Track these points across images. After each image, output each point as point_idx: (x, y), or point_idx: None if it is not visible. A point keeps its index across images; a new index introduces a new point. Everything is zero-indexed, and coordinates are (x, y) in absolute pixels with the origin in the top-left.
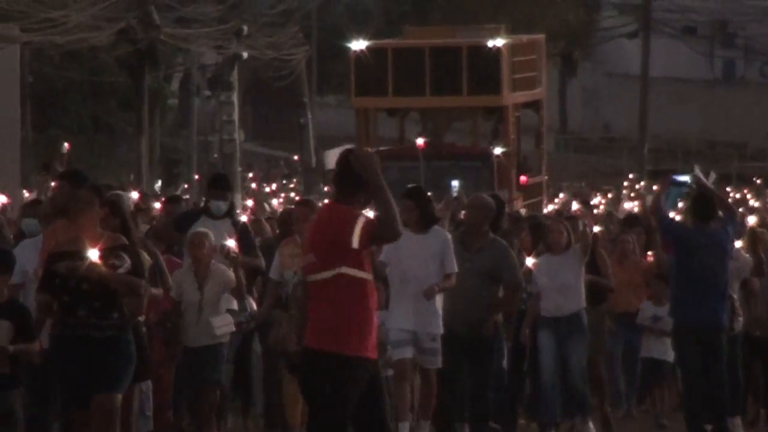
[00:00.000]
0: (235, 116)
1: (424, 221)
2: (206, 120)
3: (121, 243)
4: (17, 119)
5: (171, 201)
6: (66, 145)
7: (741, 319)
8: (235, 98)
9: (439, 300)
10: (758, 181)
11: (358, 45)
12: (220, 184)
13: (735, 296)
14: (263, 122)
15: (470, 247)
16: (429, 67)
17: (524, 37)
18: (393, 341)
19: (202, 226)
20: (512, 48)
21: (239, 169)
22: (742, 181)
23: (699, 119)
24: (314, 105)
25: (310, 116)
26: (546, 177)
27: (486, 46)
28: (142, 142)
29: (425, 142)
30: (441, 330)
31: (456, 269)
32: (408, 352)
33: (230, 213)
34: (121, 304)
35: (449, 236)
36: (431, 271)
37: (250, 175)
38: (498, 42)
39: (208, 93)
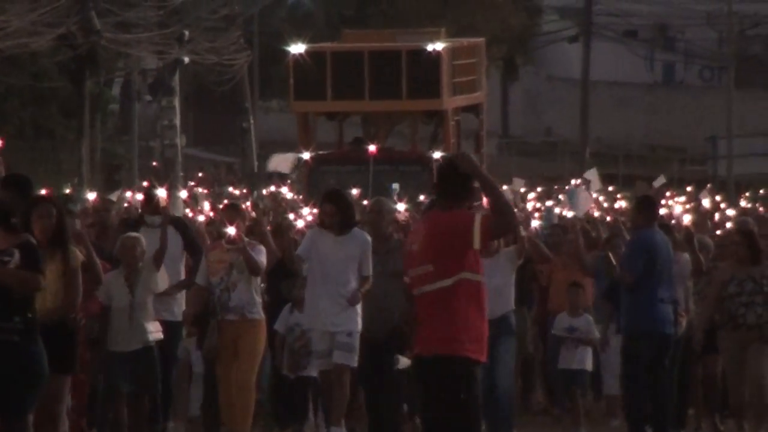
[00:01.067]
0: (177, 121)
1: (344, 223)
2: (147, 125)
3: (20, 241)
4: None
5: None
6: None
7: (684, 322)
8: (176, 103)
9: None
10: (689, 189)
11: (297, 49)
12: (152, 200)
13: (679, 300)
14: (205, 127)
15: (378, 251)
16: (368, 71)
17: (464, 41)
18: (315, 351)
19: (143, 235)
20: (452, 52)
21: (181, 174)
22: (683, 184)
23: (640, 123)
24: (256, 110)
25: (252, 121)
26: None
27: (425, 50)
28: (83, 147)
29: (364, 148)
30: (358, 327)
31: (370, 272)
32: (329, 364)
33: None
34: (26, 309)
35: (369, 239)
36: (350, 272)
37: (199, 174)
38: (438, 46)
39: (149, 98)
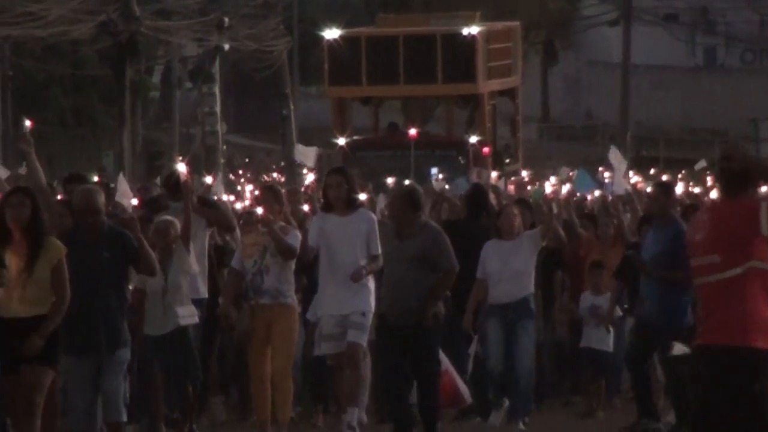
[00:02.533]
0: (217, 108)
1: (350, 198)
2: (188, 112)
3: None
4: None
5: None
6: (28, 123)
7: None
8: (216, 90)
9: (371, 280)
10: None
11: (332, 34)
12: (178, 185)
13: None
14: (245, 114)
15: (401, 234)
16: (403, 55)
17: (499, 25)
18: (325, 334)
19: (171, 215)
20: (487, 35)
21: (222, 160)
22: None
23: (680, 106)
24: (296, 96)
25: (292, 107)
26: (520, 165)
27: (460, 33)
28: (124, 134)
29: (404, 132)
30: (372, 308)
31: (379, 251)
32: (341, 347)
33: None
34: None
35: (374, 217)
36: (358, 252)
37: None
38: (473, 30)
39: (189, 85)
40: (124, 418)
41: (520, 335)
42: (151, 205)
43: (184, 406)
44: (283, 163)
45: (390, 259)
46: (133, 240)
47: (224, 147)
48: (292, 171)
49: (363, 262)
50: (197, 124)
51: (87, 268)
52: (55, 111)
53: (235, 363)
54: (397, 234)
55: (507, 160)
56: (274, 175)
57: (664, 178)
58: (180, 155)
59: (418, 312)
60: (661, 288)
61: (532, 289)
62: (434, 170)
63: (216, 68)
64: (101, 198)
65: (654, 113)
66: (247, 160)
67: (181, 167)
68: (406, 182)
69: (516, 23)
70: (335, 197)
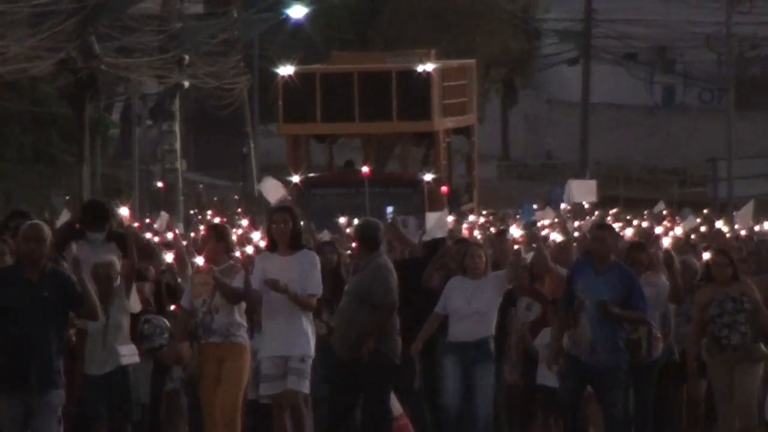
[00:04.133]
0: (177, 145)
1: (295, 237)
2: (148, 149)
3: None
4: None
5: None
6: None
7: (660, 345)
8: (176, 127)
9: (306, 323)
10: (663, 211)
11: (286, 70)
12: (96, 214)
13: (654, 323)
14: (206, 151)
15: (355, 270)
16: (358, 92)
17: (455, 63)
18: (264, 375)
19: (81, 248)
20: (442, 73)
21: (181, 198)
22: (683, 206)
23: (640, 145)
24: (257, 134)
25: (252, 145)
26: (475, 203)
27: (415, 70)
28: (83, 171)
29: (359, 169)
30: (311, 352)
31: (318, 291)
32: (279, 387)
33: (109, 236)
34: None
35: (316, 258)
36: (298, 293)
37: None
38: (428, 67)
39: (149, 122)
40: None
41: (479, 377)
42: (67, 233)
43: None
44: (237, 197)
45: (343, 294)
46: (75, 283)
47: (183, 187)
48: (251, 208)
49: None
50: (157, 161)
51: (25, 306)
52: (14, 148)
53: (190, 400)
54: (355, 269)
55: (464, 198)
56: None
57: (628, 217)
58: (139, 193)
59: (356, 347)
60: (611, 329)
61: (492, 330)
62: (389, 208)
63: (176, 106)
64: (47, 231)
65: (613, 152)
66: (215, 198)
67: (124, 211)
68: (364, 219)
69: (472, 61)
70: (280, 235)
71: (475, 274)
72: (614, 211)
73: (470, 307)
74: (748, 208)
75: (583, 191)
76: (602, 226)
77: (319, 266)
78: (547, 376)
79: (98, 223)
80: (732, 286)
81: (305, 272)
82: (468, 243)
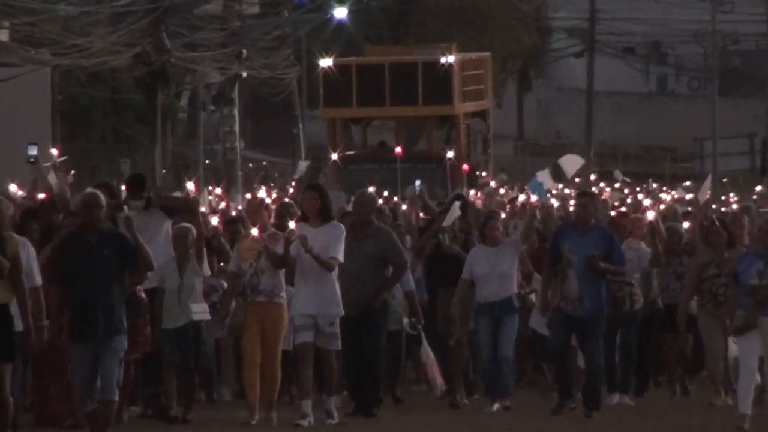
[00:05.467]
0: (236, 128)
1: (324, 211)
2: (211, 131)
3: None
4: (48, 133)
5: None
6: (55, 152)
7: (641, 300)
8: (235, 112)
9: (335, 286)
10: (654, 185)
11: (326, 62)
12: (137, 185)
13: (635, 283)
14: (261, 133)
15: (359, 236)
16: (389, 81)
17: (473, 55)
18: (296, 326)
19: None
20: (462, 64)
21: (239, 172)
22: (674, 179)
23: (637, 126)
24: (305, 117)
25: (301, 127)
26: (490, 177)
27: (439, 62)
28: (155, 151)
29: (390, 148)
30: (340, 312)
31: (340, 257)
32: (309, 337)
33: (147, 203)
34: None
35: (342, 229)
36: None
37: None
38: (450, 58)
39: (212, 107)
40: (116, 398)
41: (505, 328)
42: (116, 202)
43: (187, 393)
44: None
45: (349, 259)
46: (130, 240)
47: (241, 163)
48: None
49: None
50: (219, 141)
51: (89, 264)
52: (97, 130)
53: (234, 351)
54: (354, 236)
55: (481, 173)
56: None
57: (626, 191)
58: (204, 169)
59: (370, 299)
60: (596, 283)
61: (515, 288)
62: (417, 182)
63: (235, 93)
64: (103, 198)
65: (614, 133)
66: (276, 174)
67: (190, 185)
68: (361, 191)
69: (487, 54)
70: (310, 209)
71: (494, 242)
72: (617, 185)
73: (494, 272)
74: (706, 184)
75: (571, 164)
76: (584, 194)
77: (343, 237)
78: (539, 323)
79: (139, 192)
80: (728, 250)
81: (332, 241)
82: (488, 215)
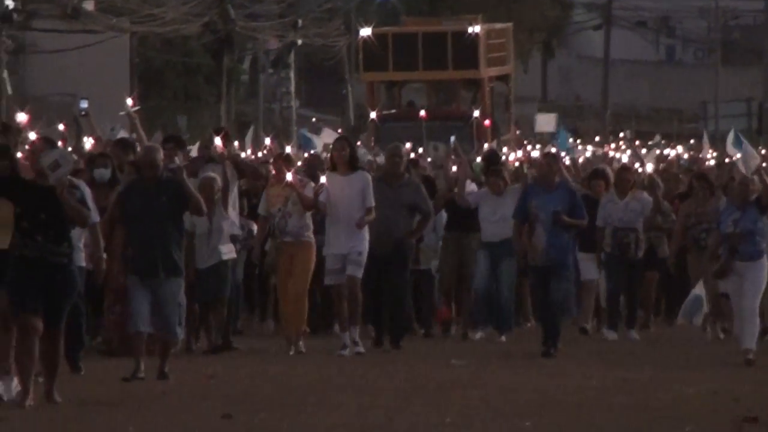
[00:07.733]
0: (292, 88)
1: (352, 160)
2: (270, 92)
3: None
4: (127, 93)
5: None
6: (130, 102)
7: (644, 246)
8: (291, 75)
9: (365, 228)
10: (663, 141)
11: (365, 32)
12: (175, 144)
13: (640, 230)
14: (313, 93)
15: (392, 185)
16: (421, 48)
17: (496, 25)
18: (329, 269)
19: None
20: (487, 33)
21: (295, 128)
22: (680, 138)
23: (647, 91)
24: (353, 80)
25: (350, 88)
26: (516, 133)
27: (466, 31)
28: (221, 108)
29: (420, 108)
30: (366, 248)
31: (373, 204)
32: (341, 278)
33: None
34: (69, 237)
35: (370, 177)
36: (356, 205)
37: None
38: (476, 28)
39: (271, 71)
40: (175, 339)
41: (504, 267)
42: (194, 163)
43: (219, 322)
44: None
45: (382, 204)
46: (184, 187)
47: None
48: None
49: (361, 212)
50: (276, 100)
51: (148, 210)
52: (170, 90)
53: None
54: (388, 184)
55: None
56: None
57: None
58: (264, 128)
59: (400, 242)
60: (561, 235)
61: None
62: (452, 138)
63: (291, 58)
64: (159, 155)
65: (627, 96)
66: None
67: (217, 141)
68: (394, 144)
69: (509, 24)
70: (339, 159)
71: (496, 192)
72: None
73: (495, 216)
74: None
75: (544, 123)
76: (548, 155)
77: (371, 184)
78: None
79: (179, 148)
80: (710, 201)
81: (362, 189)
82: (491, 170)
